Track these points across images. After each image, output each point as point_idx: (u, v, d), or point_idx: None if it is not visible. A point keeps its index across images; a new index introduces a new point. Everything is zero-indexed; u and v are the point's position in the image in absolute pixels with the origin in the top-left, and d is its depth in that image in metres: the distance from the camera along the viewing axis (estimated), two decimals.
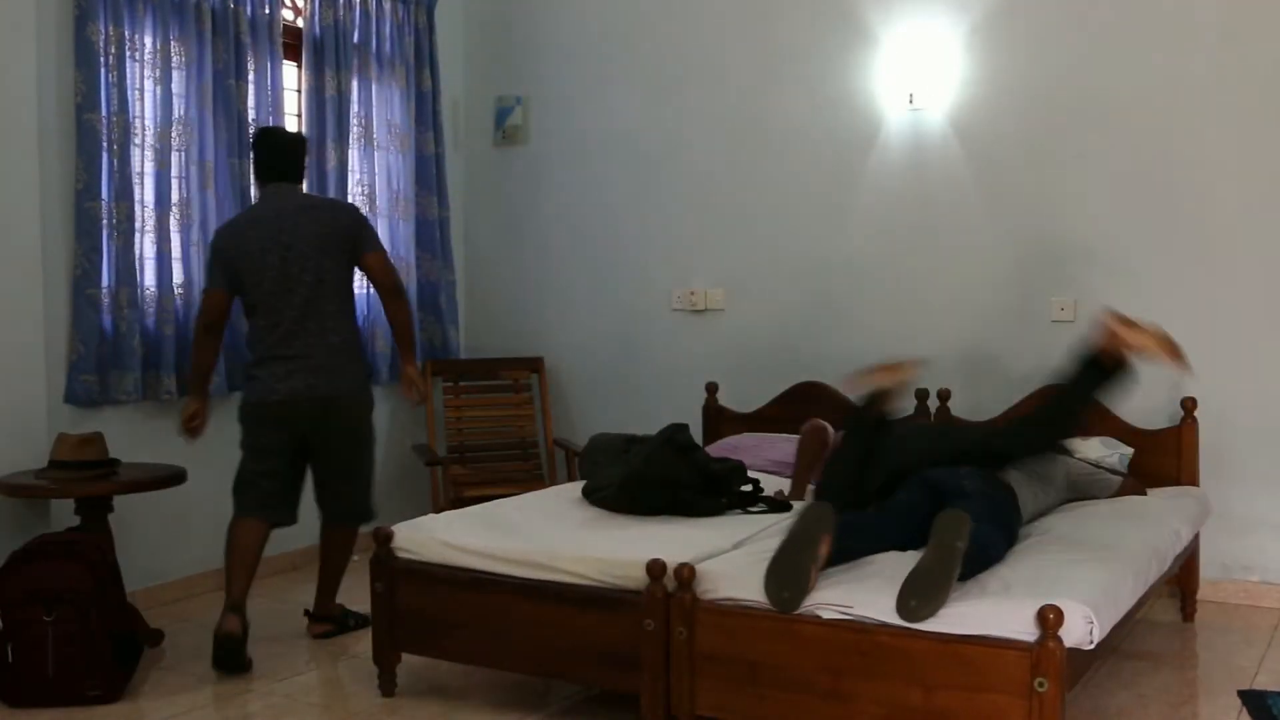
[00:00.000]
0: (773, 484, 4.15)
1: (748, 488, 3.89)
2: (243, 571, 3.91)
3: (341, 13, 5.22)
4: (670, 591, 2.99)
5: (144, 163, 4.40)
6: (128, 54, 4.30)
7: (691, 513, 3.72)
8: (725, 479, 3.85)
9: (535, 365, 5.69)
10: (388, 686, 3.53)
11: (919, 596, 2.71)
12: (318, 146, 5.34)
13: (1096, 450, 4.31)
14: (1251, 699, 3.43)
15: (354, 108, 5.31)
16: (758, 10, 5.28)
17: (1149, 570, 3.35)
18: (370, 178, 5.39)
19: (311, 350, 3.91)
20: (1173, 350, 3.39)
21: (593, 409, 5.68)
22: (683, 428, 3.99)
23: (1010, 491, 3.44)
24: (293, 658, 3.92)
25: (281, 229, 3.89)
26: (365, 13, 5.33)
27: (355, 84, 5.31)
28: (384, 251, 4.12)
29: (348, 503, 4.12)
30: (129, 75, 4.31)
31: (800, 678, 2.86)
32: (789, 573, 2.86)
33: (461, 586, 3.35)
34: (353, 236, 3.99)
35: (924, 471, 3.42)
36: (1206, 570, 4.43)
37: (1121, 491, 4.03)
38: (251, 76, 4.84)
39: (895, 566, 3.02)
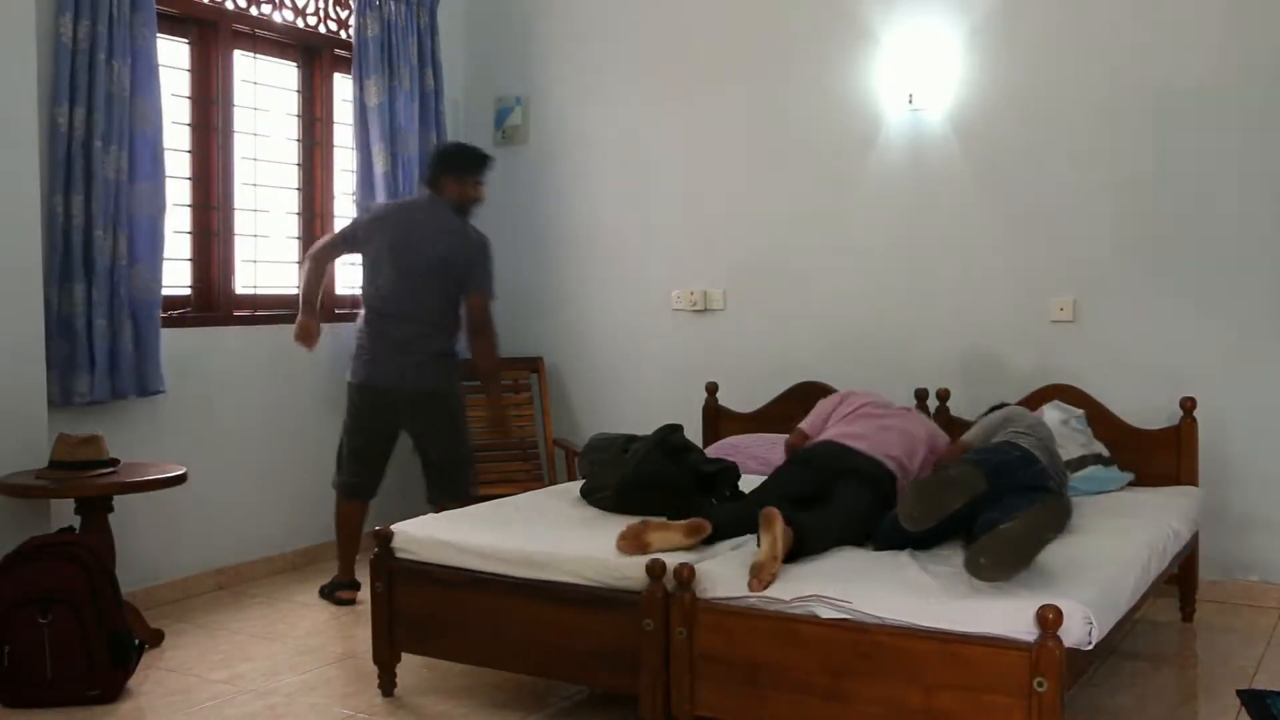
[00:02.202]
0: None
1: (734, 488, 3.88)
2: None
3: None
4: (670, 591, 2.99)
5: (133, 162, 4.32)
6: (106, 52, 4.17)
7: (683, 516, 3.71)
8: (715, 480, 3.83)
9: (535, 365, 5.69)
10: (388, 686, 3.53)
11: (993, 558, 2.73)
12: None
13: (1050, 417, 4.31)
14: (1251, 699, 3.43)
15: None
16: (758, 10, 5.29)
17: (1148, 570, 3.35)
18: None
19: (410, 344, 4.40)
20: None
21: (593, 409, 5.68)
22: (676, 428, 3.98)
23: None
24: (293, 658, 3.93)
25: (409, 243, 4.38)
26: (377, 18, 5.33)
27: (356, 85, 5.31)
28: (487, 295, 4.51)
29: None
30: (110, 74, 4.20)
31: (800, 678, 2.86)
32: (930, 499, 3.01)
33: (461, 586, 3.35)
34: (463, 274, 4.44)
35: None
36: (1206, 570, 4.43)
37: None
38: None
39: (895, 565, 3.03)
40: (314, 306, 4.54)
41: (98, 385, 4.20)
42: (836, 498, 3.44)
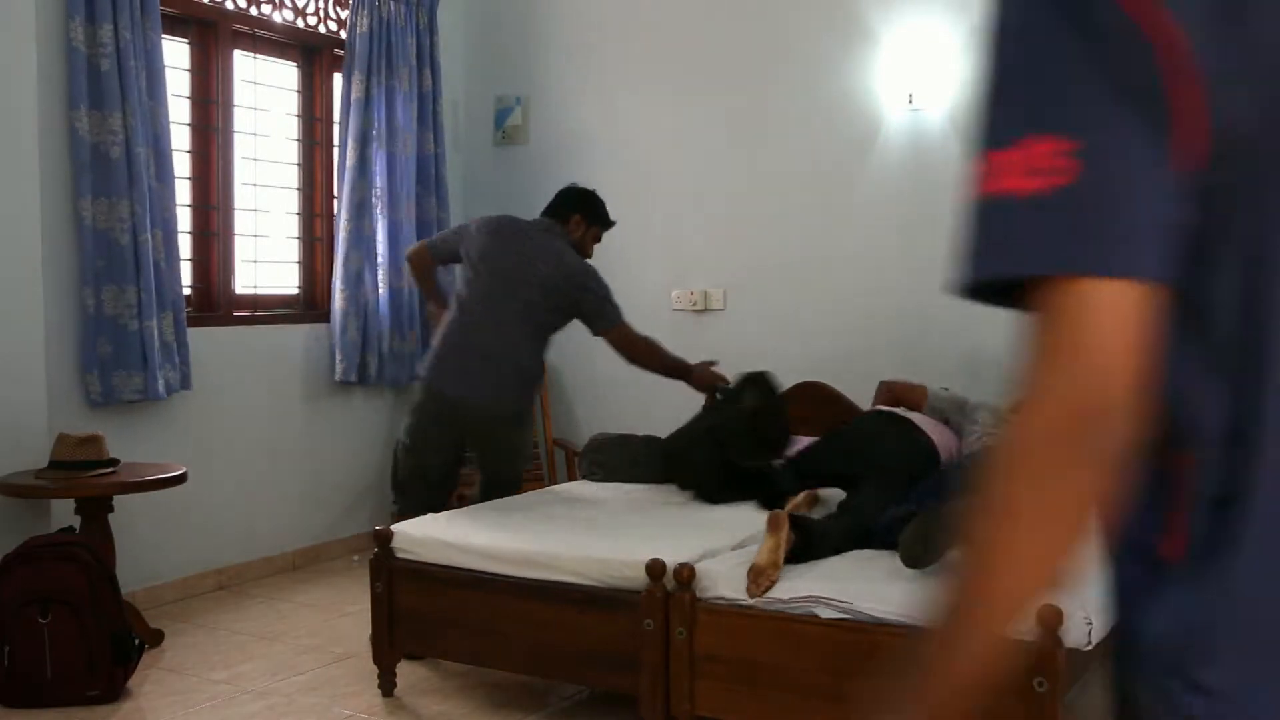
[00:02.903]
0: None
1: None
2: None
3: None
4: (670, 591, 2.99)
5: (149, 164, 4.35)
6: (119, 55, 4.20)
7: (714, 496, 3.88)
8: (751, 480, 3.91)
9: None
10: (388, 686, 3.53)
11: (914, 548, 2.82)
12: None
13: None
14: None
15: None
16: (758, 9, 5.29)
17: None
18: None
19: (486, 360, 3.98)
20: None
21: (593, 409, 5.68)
22: (759, 378, 4.08)
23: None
24: (293, 658, 3.93)
25: (518, 254, 4.02)
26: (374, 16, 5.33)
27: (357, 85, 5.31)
28: (620, 326, 4.16)
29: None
30: (123, 76, 4.22)
31: (800, 678, 2.86)
32: (934, 540, 2.97)
33: (461, 586, 3.35)
34: (574, 302, 4.07)
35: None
36: None
37: None
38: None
39: (895, 565, 3.03)
40: (438, 295, 4.34)
41: (150, 384, 4.28)
42: (861, 493, 3.45)
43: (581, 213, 4.21)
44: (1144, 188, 0.77)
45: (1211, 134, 0.77)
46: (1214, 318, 0.81)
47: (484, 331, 3.97)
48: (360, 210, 5.26)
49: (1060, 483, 0.79)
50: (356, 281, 5.21)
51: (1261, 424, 0.81)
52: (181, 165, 4.70)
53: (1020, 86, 0.79)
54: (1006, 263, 0.79)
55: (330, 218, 5.38)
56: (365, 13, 5.22)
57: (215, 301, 4.86)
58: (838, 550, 3.18)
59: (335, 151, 5.36)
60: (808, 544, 3.09)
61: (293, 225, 5.28)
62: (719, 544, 3.33)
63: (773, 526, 3.03)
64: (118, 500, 3.94)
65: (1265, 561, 0.81)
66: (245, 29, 4.96)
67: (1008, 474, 0.80)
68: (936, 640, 0.87)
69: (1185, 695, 0.83)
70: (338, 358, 5.19)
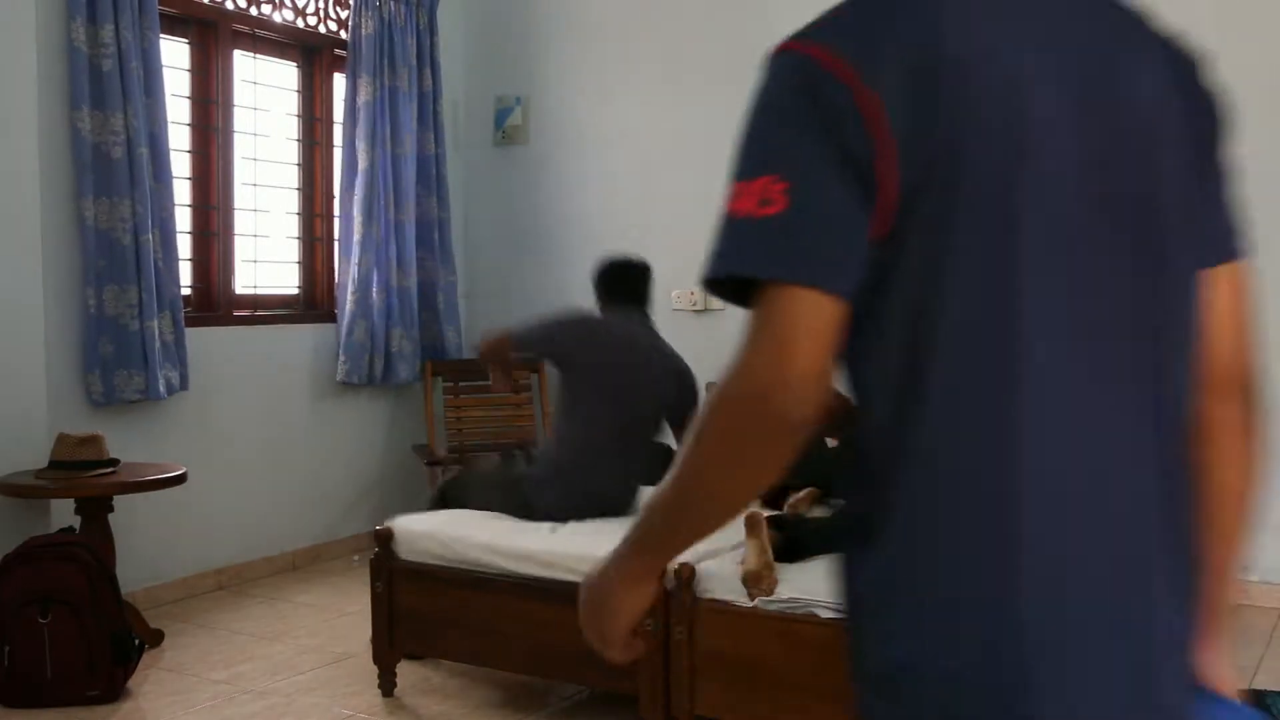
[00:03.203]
0: None
1: None
2: None
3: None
4: (670, 591, 2.99)
5: (150, 163, 4.36)
6: (120, 55, 4.21)
7: None
8: None
9: (535, 365, 5.69)
10: (388, 686, 3.53)
11: None
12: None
13: None
14: (1251, 698, 3.43)
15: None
16: (758, 9, 5.28)
17: None
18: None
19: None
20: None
21: None
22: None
23: None
24: (293, 658, 3.93)
25: (646, 374, 3.71)
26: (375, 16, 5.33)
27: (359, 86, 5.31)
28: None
29: None
30: (125, 76, 4.24)
31: (800, 678, 2.86)
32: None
33: (461, 586, 3.35)
34: (688, 402, 3.71)
35: None
36: None
37: None
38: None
39: None
40: (510, 380, 4.11)
41: (152, 384, 4.28)
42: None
43: (649, 284, 3.97)
44: (839, 224, 1.00)
45: (900, 191, 1.00)
46: (887, 331, 1.03)
47: (613, 461, 3.67)
48: (370, 212, 5.26)
49: (742, 438, 1.01)
50: (364, 283, 5.21)
51: (916, 414, 1.02)
52: (181, 165, 4.71)
53: (765, 137, 1.04)
54: (730, 265, 1.02)
55: (330, 218, 5.38)
56: (368, 14, 5.22)
57: (215, 301, 4.86)
58: (832, 546, 3.17)
59: (337, 152, 5.36)
60: (794, 542, 3.08)
61: (293, 225, 5.28)
62: (719, 544, 3.32)
63: (751, 527, 3.03)
64: (118, 500, 3.94)
65: (922, 524, 1.02)
66: (245, 29, 4.96)
67: (709, 418, 1.02)
68: (646, 521, 1.14)
69: (883, 645, 1.03)
70: (341, 359, 5.19)
